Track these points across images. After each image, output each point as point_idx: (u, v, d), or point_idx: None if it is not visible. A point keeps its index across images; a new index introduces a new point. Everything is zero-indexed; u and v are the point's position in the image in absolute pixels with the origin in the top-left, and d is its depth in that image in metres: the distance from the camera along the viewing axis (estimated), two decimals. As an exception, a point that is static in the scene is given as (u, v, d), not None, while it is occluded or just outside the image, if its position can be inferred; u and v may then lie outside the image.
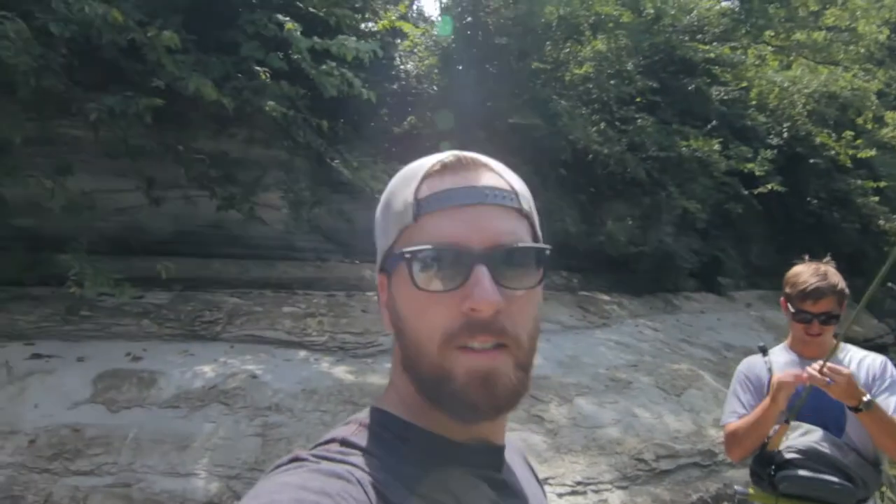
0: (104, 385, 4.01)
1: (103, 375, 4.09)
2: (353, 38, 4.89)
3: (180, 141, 5.34)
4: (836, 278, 2.37)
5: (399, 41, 8.14)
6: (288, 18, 5.05)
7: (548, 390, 4.77)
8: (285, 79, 5.20)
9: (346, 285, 6.09)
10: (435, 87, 8.00)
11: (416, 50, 8.48)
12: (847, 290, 2.34)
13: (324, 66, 5.10)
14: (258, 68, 5.06)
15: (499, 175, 0.76)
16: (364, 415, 0.78)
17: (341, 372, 4.59)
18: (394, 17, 6.91)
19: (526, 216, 0.76)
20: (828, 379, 2.09)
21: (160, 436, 3.68)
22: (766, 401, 2.25)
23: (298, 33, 4.95)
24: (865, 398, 2.10)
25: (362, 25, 6.87)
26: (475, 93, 7.79)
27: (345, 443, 0.73)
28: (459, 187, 0.72)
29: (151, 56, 4.30)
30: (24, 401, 3.76)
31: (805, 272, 2.41)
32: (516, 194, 0.75)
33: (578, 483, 3.83)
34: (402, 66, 8.07)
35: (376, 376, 4.58)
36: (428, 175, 0.74)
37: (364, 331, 5.18)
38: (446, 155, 0.76)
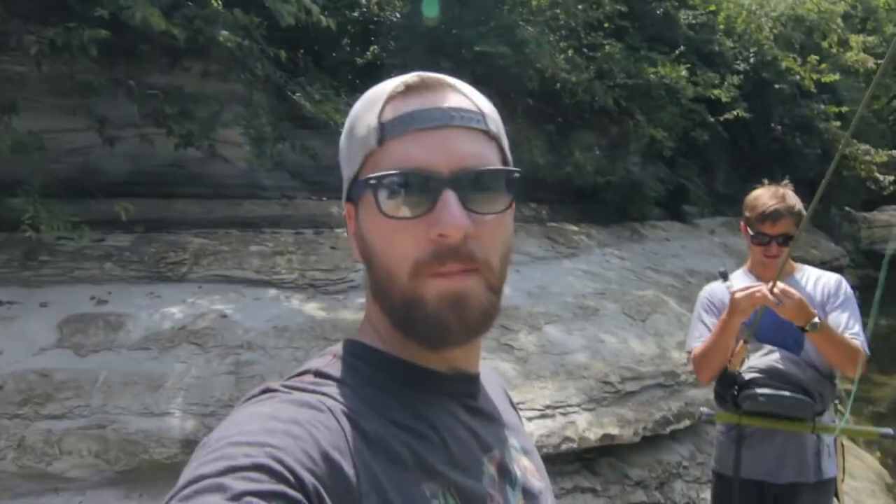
0: (70, 329, 3.96)
1: (68, 320, 4.03)
2: (310, -38, 4.64)
3: (131, 76, 5.08)
4: (794, 200, 2.43)
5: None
6: (239, -60, 4.76)
7: (517, 320, 4.86)
8: (238, 7, 4.94)
9: (314, 222, 6.02)
10: (398, 15, 7.71)
11: (377, -25, 8.10)
12: (804, 213, 2.39)
13: (280, -7, 4.85)
14: (209, -4, 4.80)
15: (465, 96, 0.74)
16: (339, 347, 0.78)
17: (312, 309, 4.60)
18: (352, -61, 6.57)
19: (494, 138, 0.74)
20: (777, 300, 2.17)
21: (131, 378, 3.67)
22: (724, 317, 2.33)
23: (251, -44, 4.68)
24: (814, 320, 2.18)
25: (319, -52, 6.51)
26: (440, 20, 7.54)
27: (318, 374, 0.72)
28: (424, 108, 0.70)
29: (93, -17, 4.03)
30: (-13, 348, 3.70)
31: (763, 195, 2.47)
32: (483, 115, 0.73)
33: (547, 407, 3.96)
34: (363, -6, 7.72)
35: (348, 312, 4.60)
36: (391, 97, 0.71)
37: (334, 267, 5.17)
38: (410, 76, 0.73)
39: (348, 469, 0.61)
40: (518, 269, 5.90)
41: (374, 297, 0.75)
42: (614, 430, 3.97)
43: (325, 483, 0.58)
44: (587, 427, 3.93)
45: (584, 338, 4.86)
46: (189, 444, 3.41)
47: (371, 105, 0.72)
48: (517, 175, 0.72)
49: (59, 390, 3.50)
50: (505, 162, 0.75)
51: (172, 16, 4.52)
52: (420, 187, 0.67)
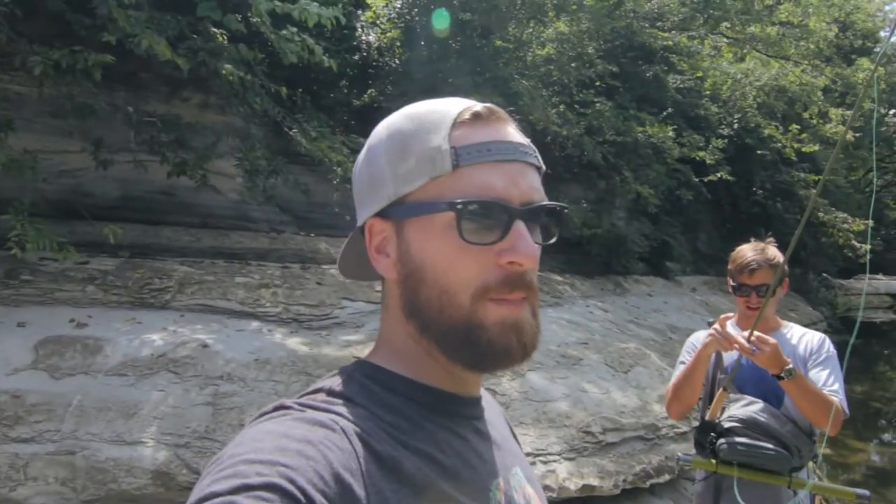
0: (46, 351, 3.87)
1: (45, 341, 3.95)
2: (316, 4, 4.76)
3: (130, 102, 5.14)
4: (774, 253, 2.51)
5: (361, 12, 7.99)
6: (248, -21, 4.89)
7: (500, 365, 4.84)
8: (243, 42, 5.04)
9: (302, 257, 6.01)
10: (397, 61, 7.91)
11: (378, 21, 8.34)
12: (786, 267, 2.46)
13: (284, 31, 4.96)
14: (215, 30, 4.90)
15: (520, 132, 0.77)
16: (351, 367, 0.77)
17: (295, 343, 4.55)
18: (357, -14, 6.78)
19: (541, 174, 0.78)
20: (754, 347, 2.21)
21: (106, 403, 3.58)
22: (698, 350, 2.39)
23: (258, -5, 4.80)
24: (788, 367, 2.22)
25: (324, -8, 6.71)
26: (437, 68, 7.74)
27: (331, 392, 0.72)
28: (499, 141, 0.73)
29: (102, 10, 4.10)
30: (-41, 365, 3.60)
31: (745, 249, 2.57)
32: (536, 153, 0.77)
33: (528, 454, 3.91)
34: (363, 38, 7.93)
35: (331, 348, 4.55)
36: (459, 123, 0.73)
37: (319, 303, 5.14)
38: (474, 104, 0.75)
39: (359, 490, 0.61)
40: (503, 315, 5.90)
41: (408, 315, 0.74)
42: (594, 481, 3.92)
43: None
44: (567, 476, 3.88)
45: (567, 386, 4.85)
46: (160, 476, 3.32)
47: (432, 127, 0.73)
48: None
49: (31, 413, 3.40)
50: None
51: (177, 46, 4.60)
52: (496, 216, 0.70)
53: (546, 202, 0.74)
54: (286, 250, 6.04)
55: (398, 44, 8.07)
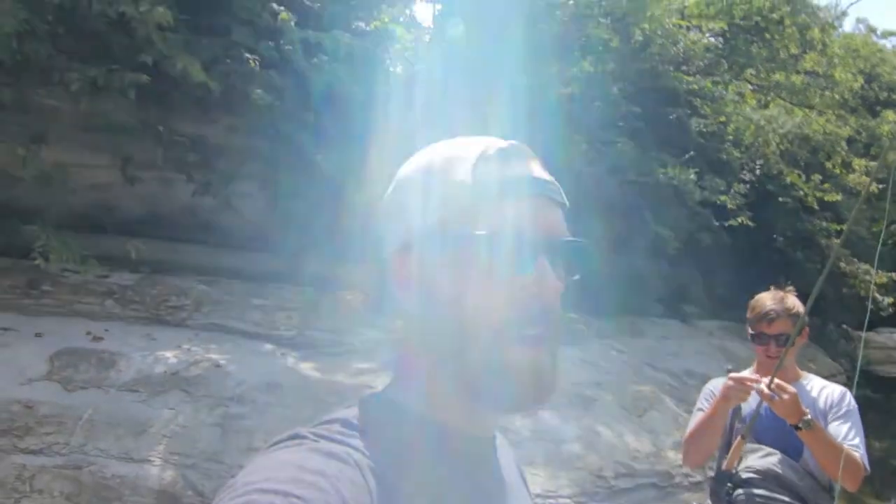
0: (61, 363, 3.89)
1: (61, 353, 3.97)
2: (348, 35, 4.87)
3: (161, 121, 5.23)
4: (793, 303, 2.47)
5: (390, 43, 8.12)
6: (283, 8, 5.01)
7: (513, 402, 4.77)
8: (274, 69, 5.15)
9: (320, 282, 6.01)
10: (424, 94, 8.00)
11: (406, 55, 8.47)
12: (806, 317, 2.41)
13: (315, 60, 5.06)
14: (248, 55, 5.01)
15: (544, 169, 0.77)
16: (368, 397, 0.77)
17: (308, 368, 4.53)
18: (387, 20, 6.91)
19: (563, 210, 0.78)
20: (773, 395, 2.16)
21: (116, 419, 3.57)
22: (716, 400, 2.34)
23: (293, 24, 4.92)
24: (806, 417, 2.17)
25: (353, 24, 6.84)
26: (464, 104, 7.81)
27: (346, 424, 0.71)
28: (524, 176, 0.73)
29: (141, 31, 4.22)
30: (-25, 373, 3.62)
31: (765, 297, 2.53)
32: (560, 188, 0.77)
33: (538, 495, 3.83)
34: (391, 70, 8.05)
35: (343, 375, 4.53)
36: (484, 158, 0.73)
37: (334, 329, 5.13)
38: (499, 140, 0.76)
39: None
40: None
41: (426, 352, 0.74)
42: (605, 528, 3.83)
43: None
44: (577, 521, 3.79)
45: (580, 427, 4.76)
46: (164, 496, 3.28)
47: (456, 162, 0.74)
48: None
49: (41, 424, 3.40)
50: None
51: (211, 70, 4.71)
52: (521, 250, 0.69)
53: (571, 238, 0.74)
54: (304, 274, 6.05)
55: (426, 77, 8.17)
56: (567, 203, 0.78)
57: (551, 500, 3.82)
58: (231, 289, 5.32)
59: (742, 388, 2.24)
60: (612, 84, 9.19)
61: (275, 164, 5.67)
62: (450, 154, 0.76)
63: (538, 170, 0.75)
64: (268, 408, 3.95)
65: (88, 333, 4.26)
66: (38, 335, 4.09)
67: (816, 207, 12.52)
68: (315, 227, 6.53)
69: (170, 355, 4.23)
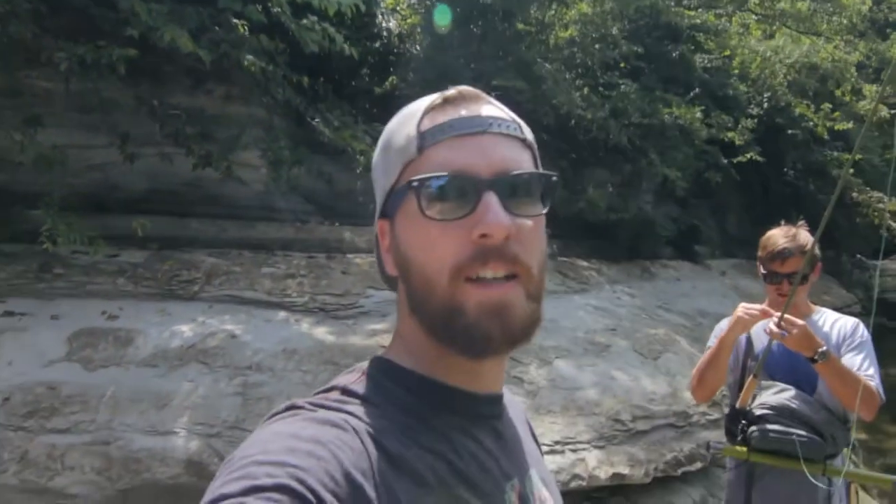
0: (80, 343, 3.95)
1: (79, 334, 4.03)
2: (336, -8, 4.73)
3: (155, 96, 5.17)
4: (806, 239, 2.43)
5: (381, -1, 7.93)
6: (267, -31, 4.88)
7: (528, 353, 4.81)
8: (264, 33, 5.03)
9: (327, 247, 6.03)
10: (417, 47, 7.85)
11: (398, 8, 8.28)
12: (818, 252, 2.39)
13: (304, 21, 4.94)
14: (236, 21, 4.89)
15: (499, 108, 0.75)
16: (367, 364, 0.76)
17: (322, 333, 4.57)
18: (376, -27, 6.72)
19: (529, 147, 0.75)
20: (783, 331, 2.15)
21: (138, 394, 3.64)
22: (724, 332, 2.35)
23: (279, -15, 4.79)
24: (822, 349, 2.16)
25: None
26: (458, 54, 7.66)
27: (345, 391, 0.71)
28: (462, 117, 0.71)
29: (124, 4, 4.12)
30: (-4, 358, 3.69)
31: (776, 234, 2.49)
32: (519, 124, 0.75)
33: (557, 442, 3.89)
34: (384, 25, 7.88)
35: (357, 337, 4.57)
36: (430, 109, 0.73)
37: (345, 292, 5.15)
38: (448, 90, 0.74)
39: (370, 491, 0.60)
40: (529, 302, 5.86)
41: (410, 310, 0.73)
42: (625, 470, 3.89)
43: None
44: (597, 465, 3.85)
45: (595, 374, 4.80)
46: (192, 465, 3.37)
47: (408, 119, 0.73)
48: (554, 180, 0.72)
49: (66, 404, 3.47)
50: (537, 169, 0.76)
51: (199, 39, 4.61)
52: (462, 190, 0.67)
53: (521, 170, 0.70)
54: (311, 240, 6.06)
55: (419, 30, 8.00)
56: (529, 138, 0.75)
57: (570, 447, 3.88)
58: (240, 259, 5.34)
59: (751, 316, 2.25)
60: (612, 24, 8.94)
61: (273, 131, 5.61)
62: (403, 114, 0.76)
63: (486, 108, 0.73)
64: (285, 374, 4.01)
65: (104, 313, 4.31)
66: (54, 318, 4.15)
67: (827, 137, 12.27)
68: (318, 192, 6.52)
69: (185, 329, 4.28)
